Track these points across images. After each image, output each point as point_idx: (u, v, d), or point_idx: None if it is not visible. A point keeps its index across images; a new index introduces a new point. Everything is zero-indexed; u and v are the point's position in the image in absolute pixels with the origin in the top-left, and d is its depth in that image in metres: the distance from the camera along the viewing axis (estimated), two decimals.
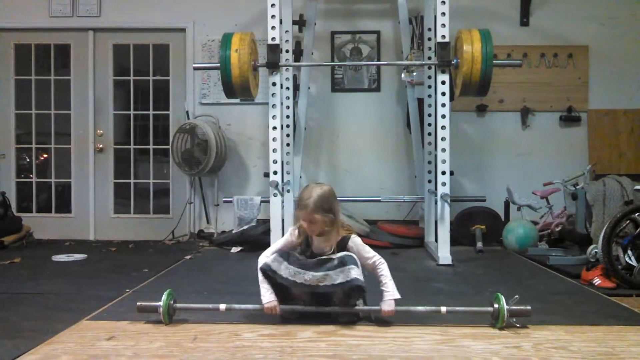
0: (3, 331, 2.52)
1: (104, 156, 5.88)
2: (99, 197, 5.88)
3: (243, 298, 3.05)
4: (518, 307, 2.48)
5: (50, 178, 5.97)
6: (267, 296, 2.54)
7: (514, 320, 2.47)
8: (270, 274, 2.52)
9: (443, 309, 2.55)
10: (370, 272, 2.60)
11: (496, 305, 2.49)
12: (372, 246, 4.10)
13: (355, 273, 2.47)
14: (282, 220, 4.30)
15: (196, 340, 2.31)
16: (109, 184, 5.90)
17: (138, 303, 2.60)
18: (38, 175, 5.99)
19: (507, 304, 2.46)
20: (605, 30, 5.64)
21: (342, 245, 2.59)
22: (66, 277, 3.86)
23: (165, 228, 5.71)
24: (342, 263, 2.49)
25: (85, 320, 2.62)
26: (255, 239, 4.75)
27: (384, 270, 2.58)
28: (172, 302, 2.57)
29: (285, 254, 2.57)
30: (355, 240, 2.61)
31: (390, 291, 2.55)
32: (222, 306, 2.60)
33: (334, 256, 2.53)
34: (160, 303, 2.53)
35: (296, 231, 2.61)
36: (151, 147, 5.91)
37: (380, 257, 2.61)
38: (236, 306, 2.62)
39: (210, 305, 2.63)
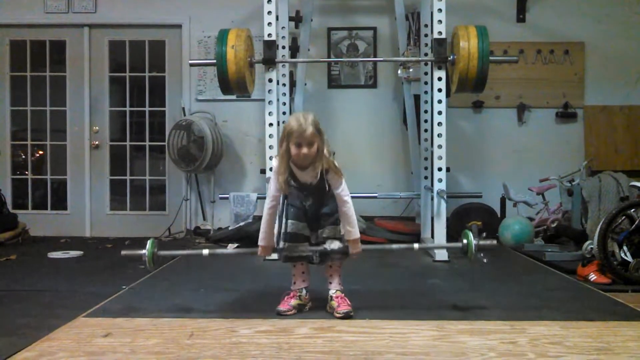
0: None
1: (100, 153, 5.87)
2: (95, 193, 5.87)
3: (239, 294, 3.07)
4: (485, 242, 2.70)
5: (45, 175, 5.96)
6: (263, 237, 2.63)
7: (482, 255, 2.69)
8: None
9: (415, 245, 2.83)
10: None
11: (465, 241, 2.71)
12: (369, 242, 4.14)
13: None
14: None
15: (193, 337, 2.31)
16: (104, 180, 5.89)
17: (122, 252, 2.73)
18: (34, 172, 5.98)
19: (475, 239, 2.69)
20: (602, 27, 5.65)
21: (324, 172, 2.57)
22: (62, 274, 3.86)
23: (161, 225, 5.70)
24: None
25: (81, 317, 2.61)
26: (252, 235, 4.71)
27: (349, 209, 2.60)
28: (155, 249, 2.67)
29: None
30: (333, 170, 2.59)
31: (354, 230, 2.60)
32: (205, 251, 2.71)
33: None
34: (145, 251, 2.64)
35: (278, 171, 2.57)
36: (147, 143, 5.90)
37: (349, 195, 2.61)
38: (219, 251, 2.82)
39: (194, 251, 2.81)
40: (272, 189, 2.64)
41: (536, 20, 5.67)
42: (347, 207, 2.60)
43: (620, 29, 5.64)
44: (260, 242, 2.65)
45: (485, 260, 2.66)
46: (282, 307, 2.64)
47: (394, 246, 2.93)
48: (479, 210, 5.06)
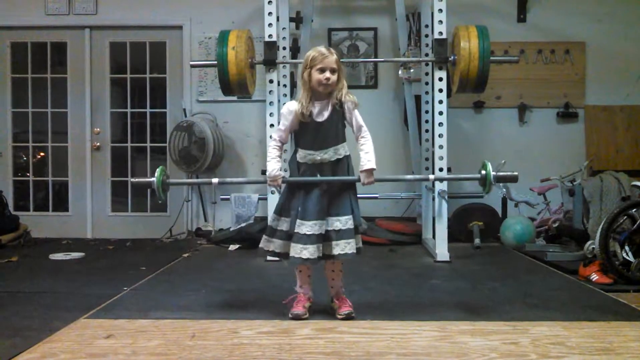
0: (1, 330, 2.52)
1: (101, 154, 5.87)
2: (96, 195, 5.87)
3: (241, 295, 3.07)
4: (505, 173, 2.61)
5: (47, 176, 5.96)
6: (273, 164, 2.61)
7: (502, 185, 2.60)
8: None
9: (431, 176, 2.89)
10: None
11: (483, 172, 2.63)
12: (370, 243, 4.14)
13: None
14: None
15: (194, 338, 2.31)
16: (106, 182, 5.89)
17: (132, 179, 2.77)
18: (35, 174, 5.98)
19: (494, 170, 2.61)
20: (602, 27, 5.64)
21: (341, 105, 2.60)
22: (64, 275, 3.86)
23: (162, 226, 5.71)
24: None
25: (83, 319, 2.62)
26: (253, 236, 4.73)
27: (367, 142, 2.61)
28: (164, 177, 2.70)
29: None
30: (352, 104, 2.63)
31: (371, 161, 2.60)
32: (215, 180, 2.81)
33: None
34: (154, 178, 2.66)
35: (300, 102, 2.59)
36: (148, 145, 5.90)
37: (367, 130, 2.63)
38: (228, 180, 2.77)
39: (201, 180, 2.81)
40: (280, 124, 2.65)
41: (537, 20, 5.67)
42: (366, 139, 2.61)
43: (621, 29, 5.63)
44: (269, 174, 2.62)
45: (503, 191, 2.60)
46: (298, 311, 2.60)
47: (408, 177, 2.97)
48: (481, 211, 5.06)
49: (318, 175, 2.59)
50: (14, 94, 5.91)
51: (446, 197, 4.15)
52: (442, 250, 4.15)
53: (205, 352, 2.15)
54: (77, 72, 5.85)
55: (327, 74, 2.52)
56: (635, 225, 3.57)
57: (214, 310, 2.75)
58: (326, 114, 2.60)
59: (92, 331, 2.42)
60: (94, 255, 4.66)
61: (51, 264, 4.34)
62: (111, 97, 5.89)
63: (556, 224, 4.91)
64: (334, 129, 2.61)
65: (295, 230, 2.55)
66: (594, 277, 3.49)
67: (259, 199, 5.04)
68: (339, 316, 2.60)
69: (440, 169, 4.17)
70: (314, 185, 2.57)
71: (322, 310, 2.71)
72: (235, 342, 2.26)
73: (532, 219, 5.00)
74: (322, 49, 2.56)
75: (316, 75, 2.53)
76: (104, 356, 2.11)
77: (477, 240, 4.74)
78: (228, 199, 5.14)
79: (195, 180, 2.88)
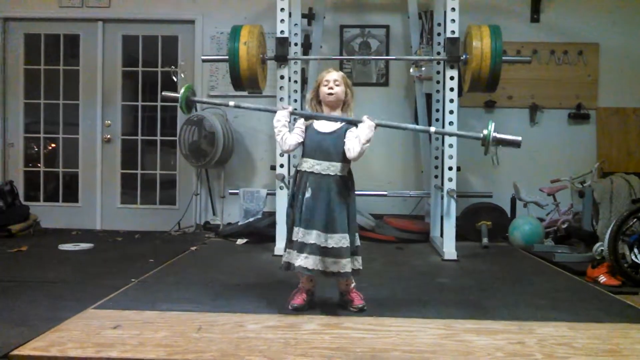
0: (9, 318, 2.55)
1: (112, 147, 5.90)
2: (106, 187, 5.90)
3: (248, 289, 3.08)
4: (507, 136, 2.62)
5: (58, 168, 5.99)
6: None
7: (496, 152, 2.60)
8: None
9: (432, 129, 2.85)
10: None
11: (485, 132, 2.64)
12: (378, 240, 4.14)
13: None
14: None
15: (200, 331, 2.32)
16: (116, 174, 5.91)
17: (163, 93, 2.96)
18: (46, 165, 6.02)
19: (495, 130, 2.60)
20: (617, 28, 5.60)
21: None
22: (72, 266, 3.88)
23: (171, 219, 5.73)
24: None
25: (91, 309, 2.64)
26: (261, 231, 4.76)
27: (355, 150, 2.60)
28: (190, 93, 2.87)
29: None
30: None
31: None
32: (231, 102, 2.94)
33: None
34: (179, 94, 2.82)
35: (300, 124, 2.69)
36: (158, 138, 5.92)
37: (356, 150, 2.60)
38: (243, 104, 2.98)
39: (220, 100, 3.17)
40: (299, 135, 2.67)
41: (550, 20, 5.63)
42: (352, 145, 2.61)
43: (636, 31, 5.58)
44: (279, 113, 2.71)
45: (496, 163, 2.60)
46: (297, 303, 2.65)
47: (410, 126, 3.01)
48: (489, 210, 5.04)
49: (314, 186, 2.59)
50: (26, 85, 5.94)
51: (455, 196, 4.14)
52: (449, 248, 4.14)
53: (211, 344, 2.16)
54: (89, 65, 5.88)
55: (331, 85, 2.65)
56: None
57: (220, 304, 2.77)
58: (331, 128, 2.64)
59: (99, 321, 2.44)
60: (102, 247, 4.69)
61: (60, 254, 4.37)
62: (122, 90, 5.92)
63: (565, 225, 4.89)
64: (334, 145, 2.61)
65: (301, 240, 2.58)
66: (602, 278, 3.48)
67: (268, 194, 5.05)
68: (352, 309, 2.64)
69: (450, 168, 4.16)
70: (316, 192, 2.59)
71: (328, 305, 2.72)
72: (241, 336, 2.27)
73: (541, 220, 4.98)
74: (329, 69, 2.75)
75: (323, 90, 2.67)
76: (111, 346, 2.13)
77: (485, 240, 4.73)
78: (237, 194, 5.16)
79: (215, 101, 3.07)
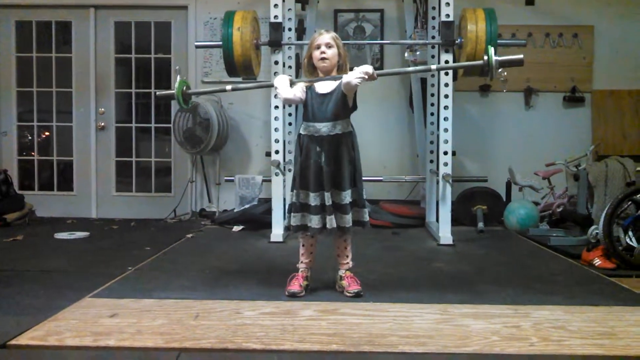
0: (6, 308, 2.55)
1: (106, 134, 5.88)
2: (101, 175, 5.89)
3: (244, 276, 3.09)
4: (508, 57, 2.54)
5: (52, 156, 5.98)
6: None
7: (503, 74, 2.54)
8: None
9: (433, 66, 2.88)
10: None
11: (486, 57, 2.58)
12: (373, 225, 4.14)
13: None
14: (284, 200, 4.30)
15: (198, 318, 2.33)
16: (110, 162, 5.90)
17: (158, 93, 2.94)
18: (40, 153, 6.00)
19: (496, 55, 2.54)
20: (611, 10, 5.58)
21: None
22: (68, 254, 3.88)
23: (167, 206, 5.72)
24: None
25: (87, 298, 2.63)
26: (257, 218, 4.76)
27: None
28: (184, 88, 2.81)
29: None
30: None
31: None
32: (228, 87, 2.89)
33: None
34: (174, 91, 2.78)
35: (300, 84, 2.70)
36: (153, 125, 5.90)
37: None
38: (241, 85, 3.00)
39: (218, 89, 3.00)
40: (298, 95, 2.69)
41: (545, 3, 5.61)
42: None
43: (630, 13, 5.57)
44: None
45: (504, 89, 2.58)
46: (293, 289, 2.66)
47: (410, 69, 3.06)
48: (485, 194, 5.05)
49: (318, 149, 2.64)
50: (18, 74, 5.90)
51: (450, 180, 4.14)
52: (445, 233, 4.15)
53: (209, 331, 2.16)
54: (82, 52, 5.84)
55: (323, 48, 2.66)
56: None
57: (217, 291, 2.77)
58: (329, 88, 2.66)
59: (96, 310, 2.44)
60: (98, 235, 4.68)
61: (56, 243, 4.36)
62: (116, 77, 5.88)
63: (560, 209, 4.90)
64: (335, 104, 2.63)
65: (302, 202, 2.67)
66: (597, 262, 3.49)
67: (263, 180, 5.05)
68: (348, 294, 2.64)
69: (445, 153, 4.16)
70: (317, 158, 2.64)
71: (326, 290, 2.73)
72: (238, 323, 2.28)
73: (536, 204, 5.00)
74: (320, 30, 2.76)
75: (315, 54, 2.68)
76: (108, 335, 2.13)
77: (480, 224, 4.74)
78: (232, 180, 5.15)
79: (211, 89, 3.07)
